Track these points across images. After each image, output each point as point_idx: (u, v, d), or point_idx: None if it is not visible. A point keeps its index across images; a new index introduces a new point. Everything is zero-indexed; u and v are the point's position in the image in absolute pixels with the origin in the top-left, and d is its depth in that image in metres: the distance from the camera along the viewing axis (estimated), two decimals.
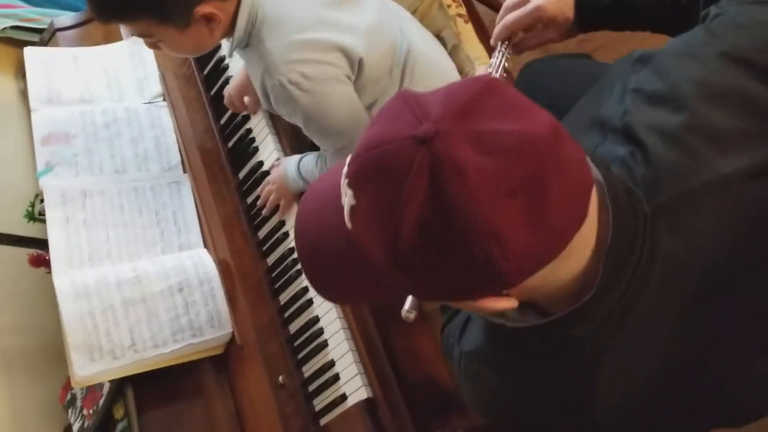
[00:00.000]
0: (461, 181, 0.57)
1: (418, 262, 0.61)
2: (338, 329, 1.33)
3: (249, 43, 1.26)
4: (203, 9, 1.17)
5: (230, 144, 1.64)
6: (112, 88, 1.71)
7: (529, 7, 0.99)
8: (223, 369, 1.41)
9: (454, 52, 1.51)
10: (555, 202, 0.59)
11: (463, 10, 1.53)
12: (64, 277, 1.37)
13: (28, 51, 1.70)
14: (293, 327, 1.43)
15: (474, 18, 1.55)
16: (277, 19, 1.22)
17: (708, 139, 0.71)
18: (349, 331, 1.33)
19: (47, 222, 1.44)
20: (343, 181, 0.64)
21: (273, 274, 1.49)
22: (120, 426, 1.42)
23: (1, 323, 1.60)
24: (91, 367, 1.30)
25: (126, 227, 1.49)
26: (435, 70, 1.40)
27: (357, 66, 1.26)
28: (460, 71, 1.50)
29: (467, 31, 1.51)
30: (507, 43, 1.02)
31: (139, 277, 1.39)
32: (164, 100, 1.70)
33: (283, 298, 1.47)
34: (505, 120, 0.59)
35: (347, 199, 0.63)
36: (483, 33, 1.54)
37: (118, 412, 1.42)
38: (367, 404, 1.24)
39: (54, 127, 1.58)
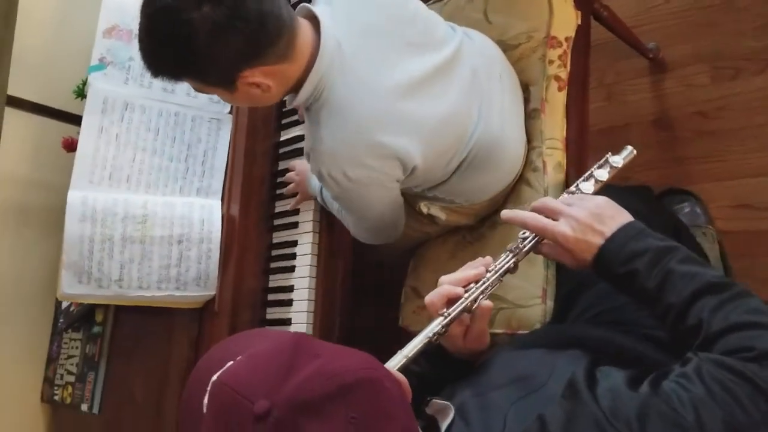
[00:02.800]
0: None
1: None
2: None
3: (309, 110, 1.15)
4: (246, 78, 1.04)
5: None
6: None
7: (556, 228, 0.90)
8: (197, 319, 1.50)
9: (532, 116, 1.35)
10: None
11: (564, 73, 1.34)
12: (78, 192, 1.42)
13: None
14: (270, 312, 1.49)
15: (576, 84, 1.37)
16: (341, 105, 1.09)
17: None
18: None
19: (81, 127, 1.46)
20: (208, 386, 0.67)
21: (272, 253, 1.52)
22: (95, 329, 1.55)
23: (30, 179, 1.70)
24: (76, 288, 1.39)
25: (154, 154, 1.50)
26: (496, 157, 1.26)
27: (411, 170, 1.16)
28: (530, 140, 1.35)
29: (555, 101, 1.34)
30: (521, 246, 0.94)
31: (146, 216, 1.43)
32: None
33: (273, 280, 1.51)
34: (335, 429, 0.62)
35: (205, 403, 0.67)
36: (576, 106, 1.36)
37: (99, 316, 1.55)
38: None
39: (121, 19, 1.53)
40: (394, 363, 0.86)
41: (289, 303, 1.46)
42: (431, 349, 1.01)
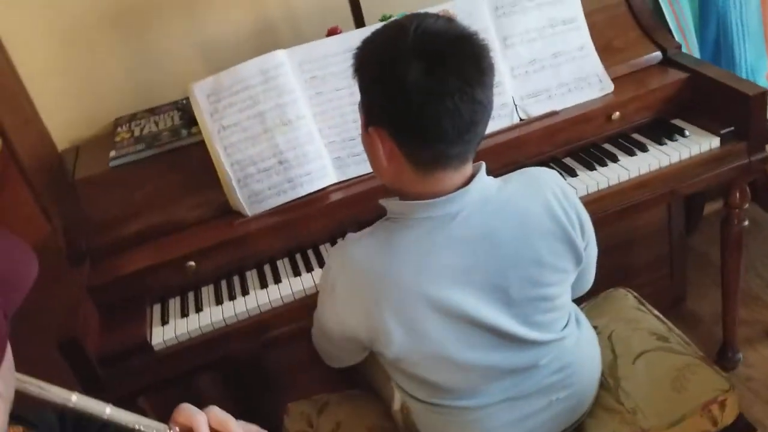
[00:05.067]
0: None
1: None
2: None
3: (385, 218, 1.06)
4: (379, 134, 0.97)
5: None
6: None
7: None
8: (221, 210, 1.50)
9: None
10: None
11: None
12: (284, 56, 1.47)
13: None
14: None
15: None
16: (395, 245, 0.99)
17: None
18: None
19: (336, 36, 1.52)
20: None
21: (308, 252, 1.50)
22: (184, 132, 1.62)
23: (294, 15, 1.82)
24: (202, 98, 1.43)
25: (353, 103, 1.51)
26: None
27: (374, 347, 1.07)
28: None
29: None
30: None
31: (290, 123, 1.48)
32: None
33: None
34: None
35: None
36: None
37: (194, 129, 1.61)
38: None
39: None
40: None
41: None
42: None
